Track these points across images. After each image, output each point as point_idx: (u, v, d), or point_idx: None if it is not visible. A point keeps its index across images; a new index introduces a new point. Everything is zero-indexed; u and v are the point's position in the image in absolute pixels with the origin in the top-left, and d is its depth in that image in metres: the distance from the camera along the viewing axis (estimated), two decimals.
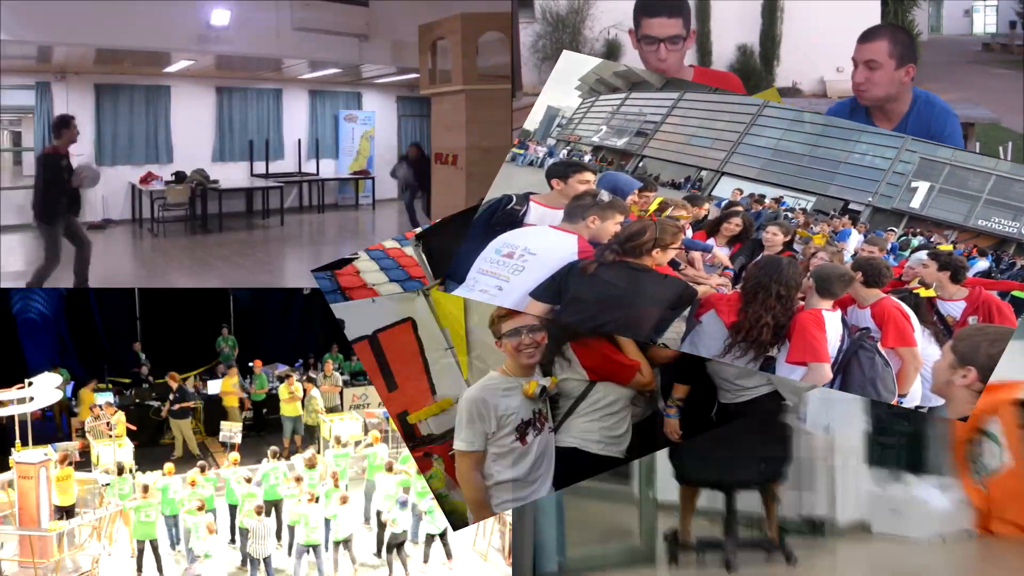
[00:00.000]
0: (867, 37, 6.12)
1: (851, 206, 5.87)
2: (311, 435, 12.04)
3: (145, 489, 9.53)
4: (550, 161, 5.97)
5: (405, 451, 9.54)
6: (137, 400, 12.59)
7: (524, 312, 4.84)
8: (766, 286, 4.81)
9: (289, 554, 9.63)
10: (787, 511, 7.60)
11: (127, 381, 13.05)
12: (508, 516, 9.28)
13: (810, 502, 7.72)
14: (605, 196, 5.30)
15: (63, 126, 9.89)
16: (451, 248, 5.41)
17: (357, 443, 11.29)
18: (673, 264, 5.15)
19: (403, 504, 9.56)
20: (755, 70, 10.67)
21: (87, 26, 10.49)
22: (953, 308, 5.12)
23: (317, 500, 9.50)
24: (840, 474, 7.78)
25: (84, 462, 10.78)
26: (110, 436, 10.86)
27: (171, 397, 11.97)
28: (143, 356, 13.39)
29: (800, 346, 4.79)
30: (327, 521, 9.52)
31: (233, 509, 9.99)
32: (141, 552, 9.43)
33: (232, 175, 12.99)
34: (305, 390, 12.19)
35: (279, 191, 13.09)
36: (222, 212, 12.36)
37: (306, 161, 13.74)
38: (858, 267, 5.05)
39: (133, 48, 11.25)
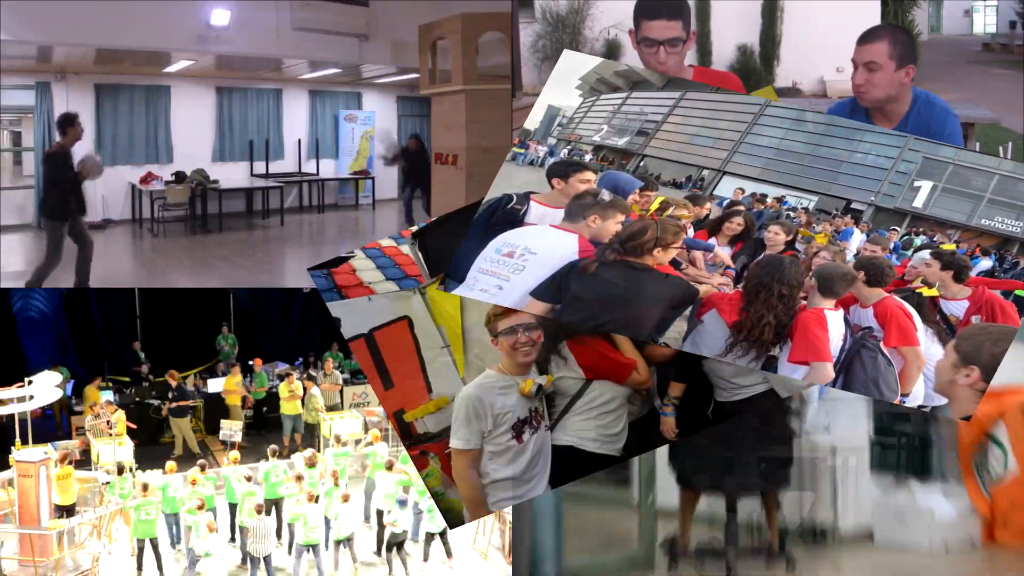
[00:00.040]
0: (867, 38, 6.13)
1: (853, 205, 5.86)
2: (311, 434, 12.06)
3: (145, 488, 9.53)
4: (551, 160, 5.96)
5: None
6: (137, 399, 12.62)
7: (524, 311, 4.83)
8: (768, 285, 4.81)
9: (289, 553, 9.63)
10: (788, 517, 7.56)
11: (127, 380, 13.05)
12: (508, 515, 9.28)
13: (812, 508, 7.67)
14: (606, 195, 5.30)
15: (68, 124, 9.92)
16: (447, 246, 5.42)
17: (357, 442, 11.29)
18: (674, 263, 5.14)
19: (402, 503, 9.56)
20: (755, 70, 10.64)
21: (87, 26, 10.47)
22: (956, 307, 5.12)
23: (317, 500, 9.50)
24: (843, 480, 7.73)
25: (84, 461, 10.78)
26: (110, 435, 10.87)
27: (170, 395, 11.98)
28: (143, 355, 13.40)
29: (802, 345, 4.78)
30: (327, 520, 9.52)
31: (233, 508, 9.99)
32: (141, 551, 9.44)
33: (232, 175, 12.98)
34: (305, 388, 12.22)
35: (279, 191, 13.07)
36: (222, 212, 12.34)
37: (306, 161, 13.73)
38: (860, 266, 5.04)
39: (133, 48, 11.23)
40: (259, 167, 13.29)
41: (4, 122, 12.19)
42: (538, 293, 4.89)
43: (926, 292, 5.12)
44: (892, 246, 5.58)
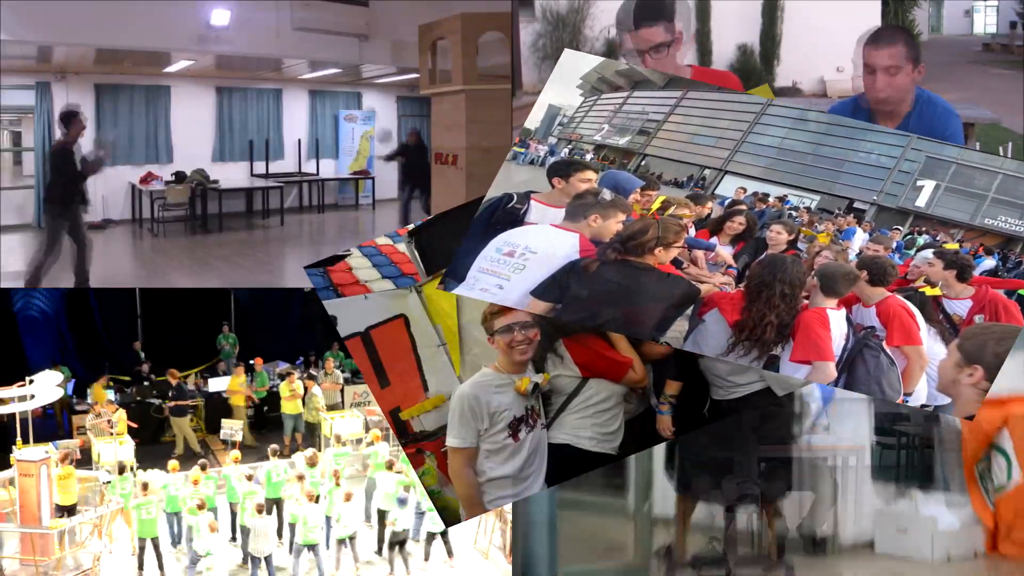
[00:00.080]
0: (883, 42, 6.06)
1: (856, 204, 5.84)
2: (312, 433, 12.06)
3: (145, 487, 9.53)
4: (551, 160, 5.94)
5: None
6: (138, 398, 12.62)
7: (524, 310, 4.82)
8: (770, 284, 4.79)
9: (290, 552, 9.62)
10: (788, 527, 7.51)
11: (127, 379, 13.05)
12: (509, 514, 9.28)
13: (812, 517, 7.62)
14: (607, 194, 5.28)
15: (71, 118, 9.94)
16: (443, 244, 5.41)
17: (358, 442, 11.29)
18: (676, 263, 5.12)
19: (402, 502, 9.55)
20: (755, 70, 10.63)
21: (87, 26, 10.48)
22: (959, 307, 5.10)
23: (317, 499, 9.49)
24: (843, 487, 7.68)
25: (85, 460, 10.78)
26: (111, 434, 10.87)
27: (170, 394, 11.98)
28: (143, 355, 13.40)
29: (804, 345, 4.76)
30: (328, 519, 9.52)
31: (234, 507, 9.98)
32: (142, 550, 9.43)
33: (232, 175, 12.98)
34: (306, 388, 12.21)
35: (279, 191, 13.08)
36: (222, 212, 12.35)
37: (306, 161, 13.73)
38: (863, 266, 5.03)
39: (133, 48, 11.23)
40: (259, 167, 13.29)
41: (4, 122, 12.19)
42: (539, 292, 4.87)
43: (929, 291, 5.10)
44: (895, 245, 5.56)
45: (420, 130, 11.94)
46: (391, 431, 10.91)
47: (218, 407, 12.58)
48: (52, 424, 11.94)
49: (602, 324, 4.87)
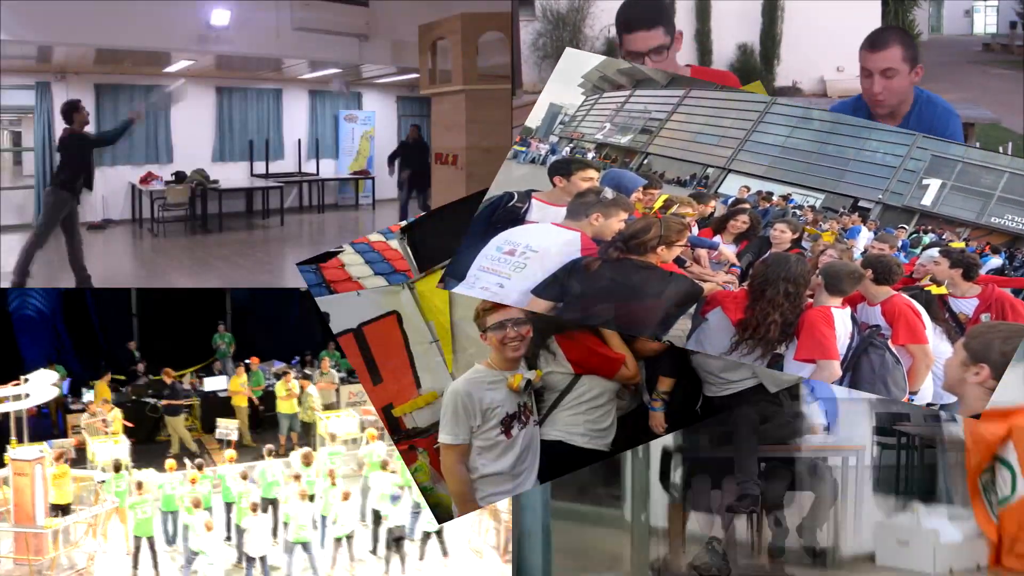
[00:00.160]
0: (879, 44, 6.04)
1: (861, 203, 5.81)
2: (307, 432, 12.07)
3: (139, 486, 9.51)
4: (552, 158, 5.92)
5: None
6: (134, 397, 12.60)
7: (524, 309, 4.80)
8: (774, 283, 4.77)
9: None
10: (788, 539, 7.46)
11: (123, 378, 13.04)
12: (503, 513, 9.29)
13: (812, 518, 7.57)
14: (609, 193, 5.26)
15: (73, 110, 10.02)
16: (436, 241, 5.41)
17: (355, 441, 11.29)
18: (679, 261, 5.11)
19: (395, 499, 9.55)
20: (755, 69, 10.64)
21: (87, 26, 10.47)
22: (965, 305, 5.08)
23: (312, 499, 9.49)
24: (844, 493, 7.64)
25: (80, 459, 10.76)
26: (106, 433, 10.86)
27: (164, 393, 11.98)
28: (138, 354, 13.39)
29: (809, 343, 4.75)
30: (323, 518, 9.51)
31: (229, 506, 9.98)
32: (138, 549, 9.42)
33: (232, 175, 12.96)
34: (302, 387, 12.21)
35: (279, 191, 13.06)
36: (222, 212, 12.33)
37: (306, 161, 13.71)
38: (868, 264, 5.02)
39: (133, 48, 11.22)
40: (259, 167, 13.27)
41: (4, 122, 12.17)
42: (539, 291, 4.85)
43: (935, 290, 5.09)
44: (900, 244, 5.55)
45: (420, 128, 11.93)
46: (385, 429, 11.01)
47: (214, 406, 12.57)
48: (47, 423, 11.91)
49: (603, 323, 4.85)
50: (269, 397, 12.63)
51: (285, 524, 9.65)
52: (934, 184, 5.70)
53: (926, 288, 5.14)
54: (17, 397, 9.33)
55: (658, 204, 5.48)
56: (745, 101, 6.24)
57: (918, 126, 6.01)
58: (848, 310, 4.88)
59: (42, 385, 9.74)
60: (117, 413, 11.36)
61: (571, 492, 7.39)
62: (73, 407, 12.17)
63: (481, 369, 4.83)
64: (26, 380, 9.65)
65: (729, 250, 5.57)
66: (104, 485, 9.76)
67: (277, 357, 13.87)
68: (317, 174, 13.75)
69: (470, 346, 5.16)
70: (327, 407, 12.27)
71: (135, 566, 9.40)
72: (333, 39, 11.77)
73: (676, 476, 7.45)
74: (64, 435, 11.54)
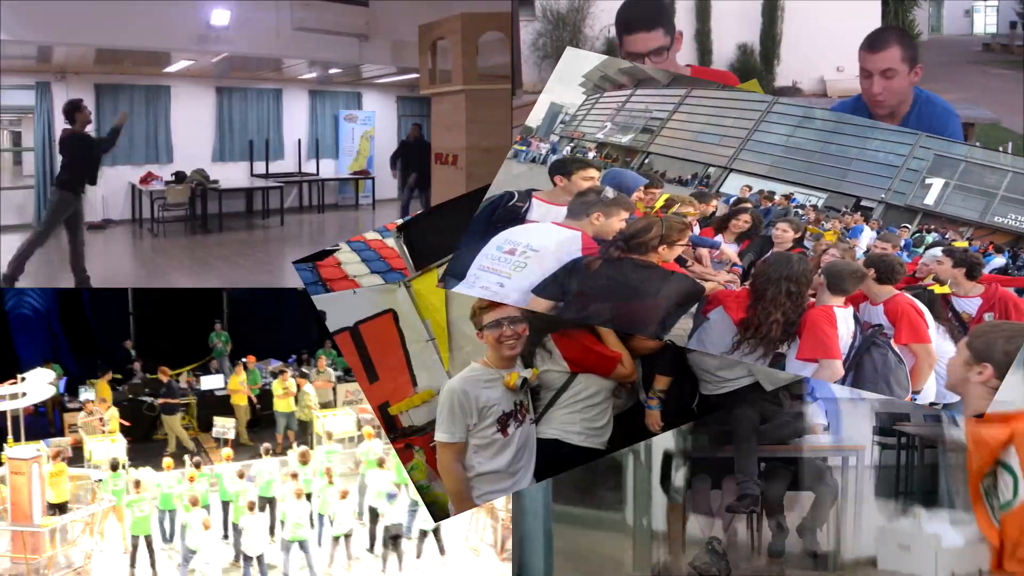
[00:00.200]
0: (878, 45, 6.02)
1: (863, 203, 5.80)
2: (304, 431, 12.08)
3: (137, 484, 9.51)
4: (553, 157, 5.91)
5: None
6: (130, 396, 12.60)
7: (525, 308, 4.80)
8: (776, 282, 4.77)
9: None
10: (788, 542, 7.44)
11: (119, 377, 13.04)
12: (500, 512, 9.29)
13: (813, 518, 7.55)
14: (610, 192, 5.24)
15: (75, 110, 10.01)
16: (432, 240, 5.42)
17: (351, 439, 11.30)
18: (680, 261, 5.10)
19: (391, 497, 9.55)
20: (755, 69, 10.64)
21: (87, 26, 10.47)
22: (968, 305, 5.08)
23: (308, 497, 9.49)
24: (844, 493, 7.62)
25: (77, 458, 10.76)
26: (103, 432, 10.86)
27: (160, 392, 11.99)
28: (133, 353, 13.39)
29: (811, 343, 4.74)
30: (321, 516, 9.51)
31: (226, 505, 9.98)
32: (135, 548, 9.42)
33: (232, 175, 12.96)
34: (298, 386, 12.22)
35: (279, 191, 13.05)
36: (222, 212, 12.32)
37: (306, 161, 13.71)
38: (871, 263, 5.01)
39: (133, 48, 11.23)
40: (259, 167, 13.27)
41: (4, 122, 12.16)
42: (540, 290, 4.83)
43: (938, 289, 5.08)
44: (903, 243, 5.54)
45: (421, 127, 11.93)
46: (381, 427, 11.02)
47: (211, 405, 12.58)
48: (44, 422, 11.92)
49: (604, 322, 4.84)
50: (266, 396, 12.67)
51: (282, 522, 9.67)
52: (937, 183, 5.68)
53: (929, 287, 5.13)
54: (14, 396, 9.33)
55: (659, 203, 5.46)
56: (747, 100, 6.22)
57: (918, 126, 6.00)
58: (851, 309, 4.87)
59: (39, 384, 9.75)
60: (114, 412, 11.38)
61: (572, 495, 7.38)
62: (70, 406, 12.18)
63: (477, 367, 4.82)
64: (23, 379, 9.64)
65: (731, 249, 5.57)
66: (101, 484, 9.76)
67: (274, 356, 13.88)
68: (317, 174, 13.74)
69: (466, 344, 5.16)
70: (324, 405, 12.31)
71: (132, 564, 9.40)
72: (333, 39, 11.77)
73: (677, 478, 7.43)
74: (61, 434, 11.55)
